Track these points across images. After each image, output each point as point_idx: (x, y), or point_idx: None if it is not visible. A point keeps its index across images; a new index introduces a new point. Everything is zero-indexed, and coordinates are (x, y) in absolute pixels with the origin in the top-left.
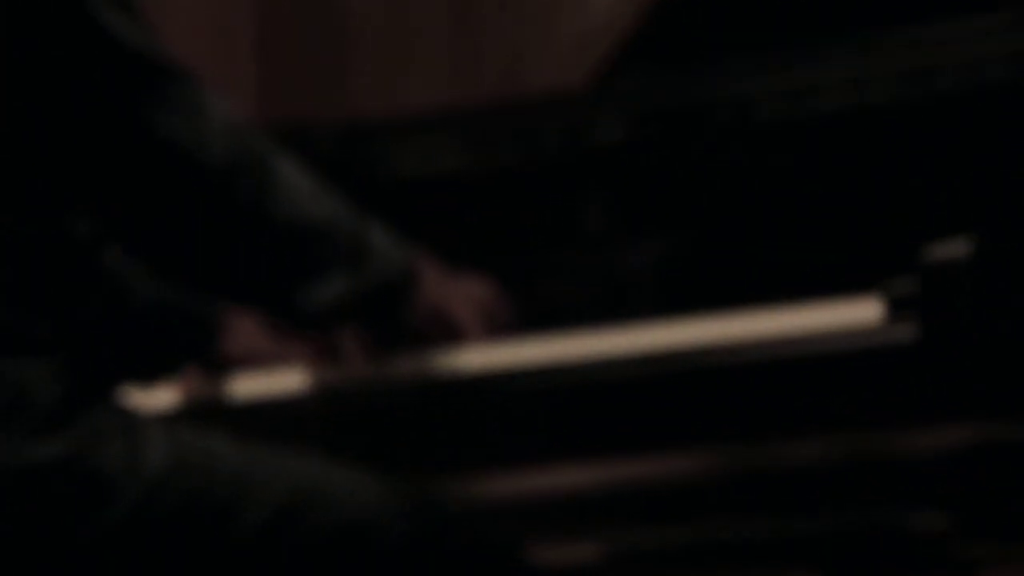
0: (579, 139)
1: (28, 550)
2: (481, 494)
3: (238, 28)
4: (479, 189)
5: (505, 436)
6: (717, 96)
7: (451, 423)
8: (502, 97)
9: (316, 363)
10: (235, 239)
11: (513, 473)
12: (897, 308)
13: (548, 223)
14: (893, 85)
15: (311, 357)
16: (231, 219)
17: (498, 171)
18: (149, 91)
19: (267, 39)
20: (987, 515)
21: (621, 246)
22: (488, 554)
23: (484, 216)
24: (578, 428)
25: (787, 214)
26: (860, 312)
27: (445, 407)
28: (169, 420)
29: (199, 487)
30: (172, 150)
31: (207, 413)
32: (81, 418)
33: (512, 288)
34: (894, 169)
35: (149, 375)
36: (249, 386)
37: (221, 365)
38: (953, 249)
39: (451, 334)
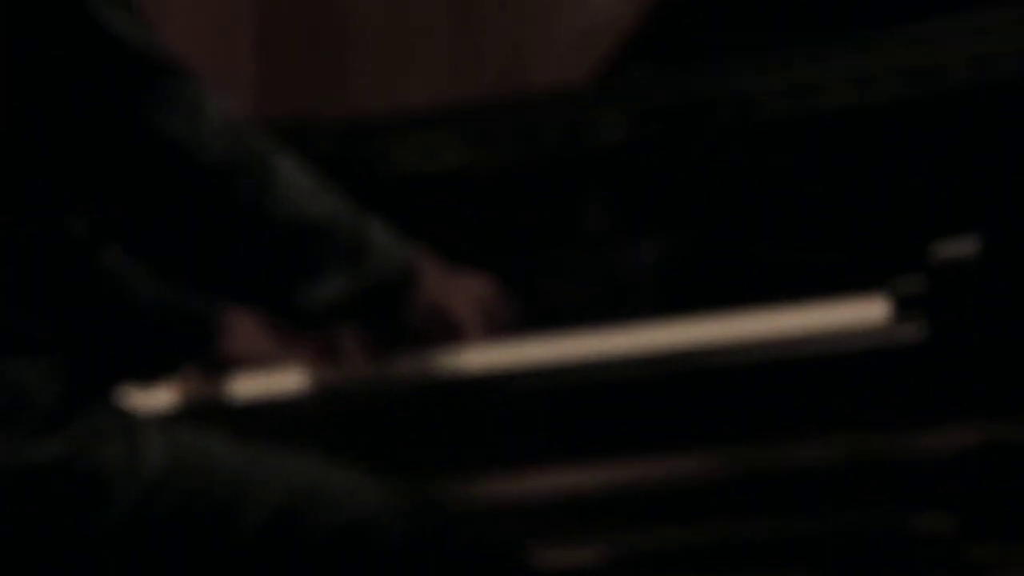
0: (579, 138)
1: (28, 550)
2: (481, 495)
3: (238, 28)
4: (479, 187)
5: (505, 436)
6: (718, 95)
7: (451, 423)
8: (502, 95)
9: (316, 363)
10: (235, 238)
11: (513, 474)
12: (904, 307)
13: (548, 222)
14: (894, 83)
15: (311, 357)
16: (231, 218)
17: (498, 170)
18: (149, 90)
19: (267, 39)
20: (992, 516)
21: (622, 245)
22: (488, 555)
23: (484, 214)
24: (579, 428)
25: (791, 213)
26: (866, 311)
27: (445, 407)
28: (168, 420)
29: (198, 487)
30: (172, 149)
31: (206, 413)
32: (80, 418)
33: (512, 287)
34: (897, 167)
35: (149, 375)
36: (249, 386)
37: (221, 365)
38: (960, 248)
39: (451, 333)
